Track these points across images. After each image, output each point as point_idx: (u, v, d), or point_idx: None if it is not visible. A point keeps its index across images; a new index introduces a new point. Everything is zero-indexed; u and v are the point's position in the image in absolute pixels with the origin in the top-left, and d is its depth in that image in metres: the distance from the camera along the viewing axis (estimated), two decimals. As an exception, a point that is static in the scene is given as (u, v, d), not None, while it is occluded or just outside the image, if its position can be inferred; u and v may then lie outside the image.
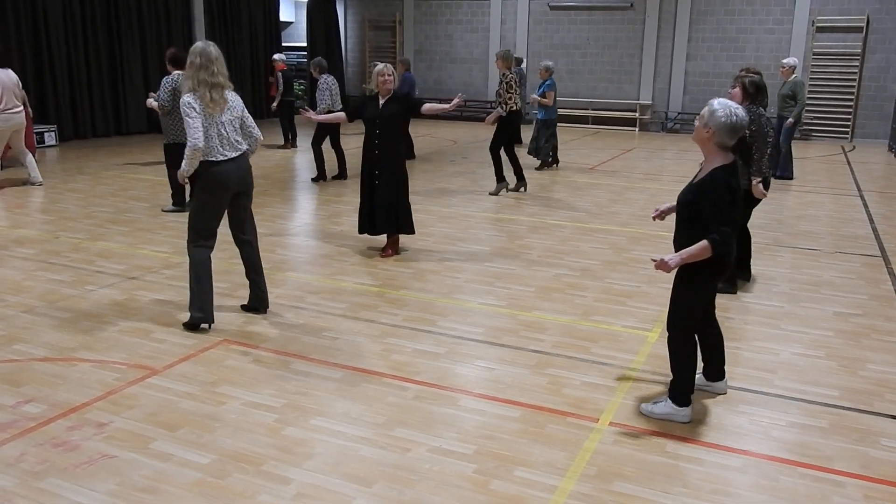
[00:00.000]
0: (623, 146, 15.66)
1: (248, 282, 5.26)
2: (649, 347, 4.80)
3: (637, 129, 18.51)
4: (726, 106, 3.53)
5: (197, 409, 3.86)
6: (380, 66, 6.62)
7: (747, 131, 5.50)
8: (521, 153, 12.77)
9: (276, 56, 14.19)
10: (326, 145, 10.81)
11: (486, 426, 3.75)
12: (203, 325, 4.91)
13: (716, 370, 4.11)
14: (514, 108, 9.68)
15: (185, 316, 5.06)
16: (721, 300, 5.67)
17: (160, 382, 4.16)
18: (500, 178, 9.93)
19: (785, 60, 11.28)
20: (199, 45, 4.74)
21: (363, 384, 4.19)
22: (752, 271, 6.30)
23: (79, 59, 14.63)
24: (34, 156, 10.16)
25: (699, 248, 3.51)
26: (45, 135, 13.58)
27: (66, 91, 14.46)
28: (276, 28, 20.03)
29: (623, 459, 3.47)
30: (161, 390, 4.06)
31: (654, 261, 3.59)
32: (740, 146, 5.51)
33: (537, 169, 12.13)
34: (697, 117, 3.67)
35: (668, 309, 3.83)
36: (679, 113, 18.09)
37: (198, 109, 4.63)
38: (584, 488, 3.23)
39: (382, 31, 21.44)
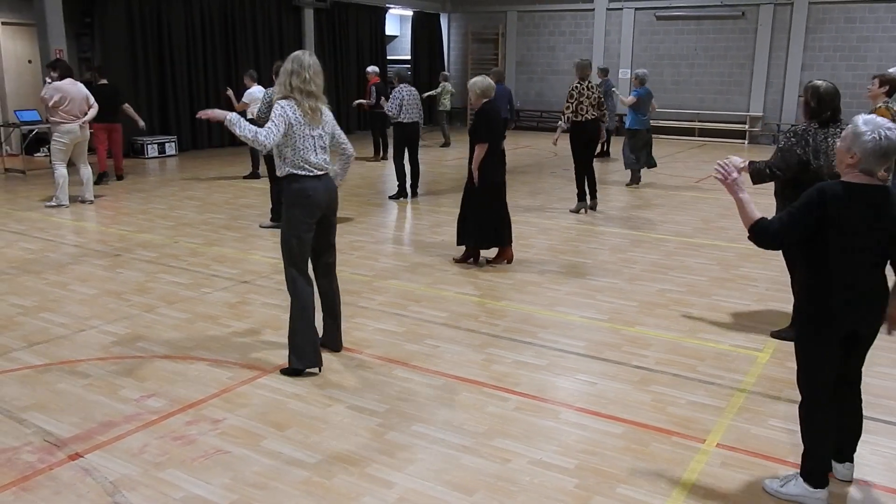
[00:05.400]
0: (731, 159, 15.10)
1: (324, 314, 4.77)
2: (760, 368, 4.61)
3: (746, 142, 17.85)
4: (876, 126, 2.92)
5: (304, 409, 3.99)
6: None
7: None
8: (613, 166, 12.59)
9: (369, 69, 14.47)
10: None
11: (587, 441, 3.70)
12: (311, 370, 4.45)
13: (838, 446, 3.32)
14: (581, 119, 9.19)
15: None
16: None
17: (270, 383, 4.32)
18: (582, 193, 9.51)
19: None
20: (295, 52, 4.36)
21: (464, 393, 4.22)
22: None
23: (198, 76, 15.51)
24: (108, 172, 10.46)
25: (751, 207, 3.09)
26: (167, 145, 14.46)
27: (186, 104, 15.33)
28: (382, 42, 20.54)
29: (732, 483, 3.34)
30: (271, 390, 4.22)
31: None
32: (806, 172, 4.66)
33: (627, 185, 11.63)
34: (839, 140, 3.11)
35: None
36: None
37: (290, 118, 4.18)
38: (691, 510, 3.14)
39: (485, 44, 21.59)
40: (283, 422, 3.85)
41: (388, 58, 20.82)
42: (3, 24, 13.85)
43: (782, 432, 3.80)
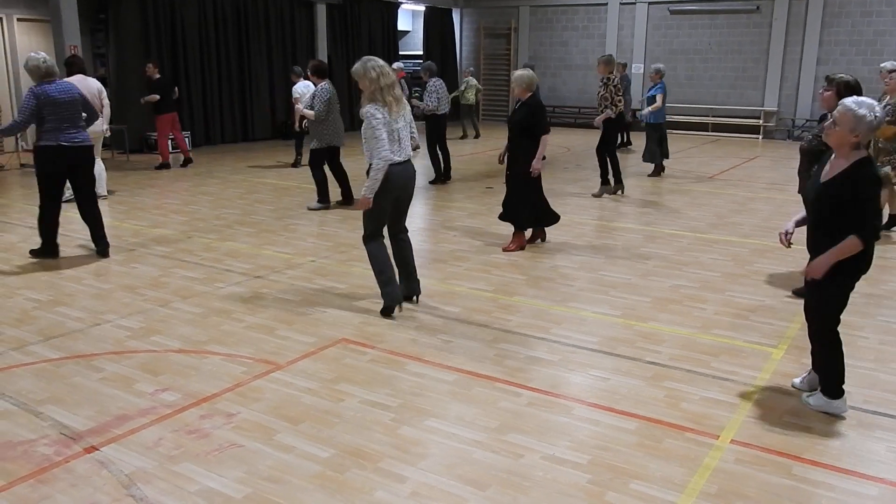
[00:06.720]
0: (745, 154, 15.03)
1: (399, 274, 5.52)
2: (774, 364, 4.58)
3: (760, 137, 17.74)
4: (870, 107, 3.53)
5: (317, 404, 4.01)
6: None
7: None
8: (633, 158, 12.60)
9: (395, 64, 14.54)
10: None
11: (600, 437, 3.69)
12: (396, 308, 5.33)
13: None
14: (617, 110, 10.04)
15: (303, 315, 5.27)
16: (854, 319, 5.34)
17: (283, 377, 4.34)
18: (605, 180, 10.17)
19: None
20: (363, 59, 5.02)
21: (476, 388, 4.22)
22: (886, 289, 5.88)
23: (211, 72, 15.56)
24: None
25: (848, 245, 3.53)
26: (180, 141, 14.50)
27: (200, 101, 15.41)
28: (394, 37, 20.53)
29: (745, 479, 3.33)
30: (284, 385, 4.24)
31: (806, 275, 3.75)
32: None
33: (649, 175, 12.05)
34: (831, 122, 3.64)
35: (807, 301, 3.89)
36: (807, 120, 17.18)
37: (382, 118, 4.94)
38: (704, 507, 3.12)
39: (497, 39, 21.54)
40: (297, 416, 3.87)
41: (401, 53, 20.80)
42: (18, 20, 13.94)
43: (797, 428, 3.78)
